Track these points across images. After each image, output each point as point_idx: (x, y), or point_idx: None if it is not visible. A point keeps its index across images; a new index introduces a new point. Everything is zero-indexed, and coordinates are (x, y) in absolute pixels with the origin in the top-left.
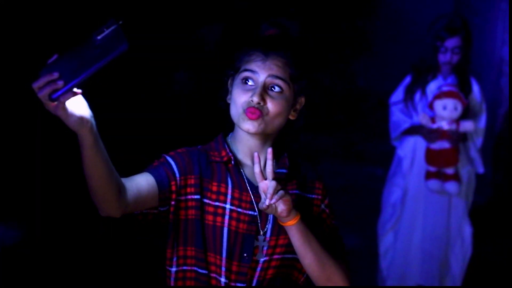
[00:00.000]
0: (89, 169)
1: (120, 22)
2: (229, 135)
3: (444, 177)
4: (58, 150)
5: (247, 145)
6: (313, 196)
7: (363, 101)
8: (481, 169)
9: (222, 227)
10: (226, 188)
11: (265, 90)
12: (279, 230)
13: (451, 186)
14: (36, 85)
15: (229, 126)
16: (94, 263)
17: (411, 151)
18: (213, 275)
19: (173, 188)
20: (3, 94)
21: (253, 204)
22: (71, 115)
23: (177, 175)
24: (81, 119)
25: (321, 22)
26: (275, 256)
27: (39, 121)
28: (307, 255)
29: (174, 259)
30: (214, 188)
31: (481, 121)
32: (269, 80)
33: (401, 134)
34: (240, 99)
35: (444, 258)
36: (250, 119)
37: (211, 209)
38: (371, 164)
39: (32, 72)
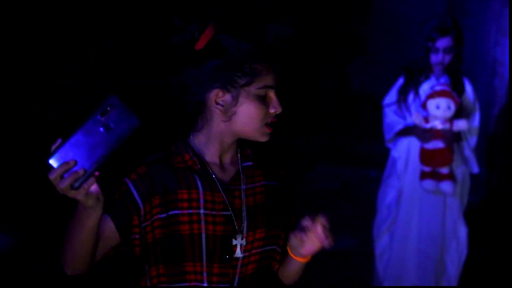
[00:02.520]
0: (86, 237)
1: (119, 97)
2: (191, 136)
3: (439, 177)
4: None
5: (221, 145)
6: (279, 184)
7: (357, 103)
8: (475, 169)
9: (199, 234)
10: (198, 193)
11: None
12: (255, 225)
13: (446, 186)
14: (53, 176)
15: (188, 127)
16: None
17: (405, 152)
18: (193, 283)
19: (136, 222)
20: (6, 98)
21: (226, 204)
22: (90, 196)
23: (141, 205)
24: (98, 196)
25: (315, 25)
26: (254, 251)
27: (36, 127)
28: (295, 277)
29: (148, 282)
30: (185, 196)
31: (475, 120)
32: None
33: (395, 135)
34: (261, 114)
35: (439, 259)
36: (271, 131)
37: (185, 219)
38: (366, 166)
39: (30, 74)
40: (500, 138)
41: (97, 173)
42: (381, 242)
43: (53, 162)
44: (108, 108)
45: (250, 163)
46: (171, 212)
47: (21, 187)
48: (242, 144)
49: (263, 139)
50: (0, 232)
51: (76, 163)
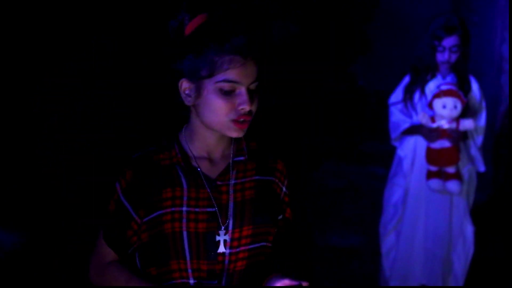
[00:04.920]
0: None
1: None
2: (183, 129)
3: (445, 176)
4: (59, 155)
5: (204, 139)
6: (272, 178)
7: (363, 101)
8: (482, 168)
9: (181, 232)
10: (182, 190)
11: (249, 95)
12: (242, 221)
13: (452, 185)
14: None
15: (182, 119)
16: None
17: (411, 151)
18: (179, 281)
19: (130, 233)
20: (6, 98)
21: (211, 200)
22: None
23: (135, 215)
24: None
25: (320, 23)
26: (242, 248)
27: (39, 128)
28: None
29: None
30: (169, 195)
31: (481, 119)
32: (251, 86)
33: (401, 134)
34: (224, 109)
35: (446, 257)
36: (241, 128)
37: (168, 217)
38: (372, 164)
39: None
40: (507, 135)
41: None
42: (388, 240)
43: None
44: None
45: (242, 158)
46: (155, 214)
47: (21, 187)
48: (246, 137)
49: (233, 135)
50: (5, 231)
51: None
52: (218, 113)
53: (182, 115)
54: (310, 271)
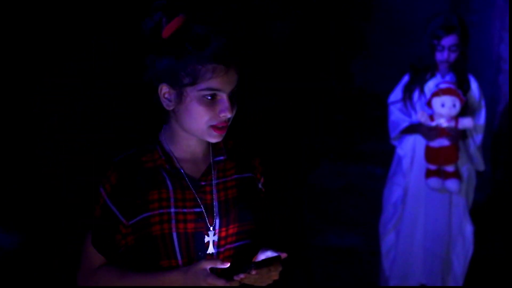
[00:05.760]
0: None
1: None
2: (162, 130)
3: (444, 175)
4: (59, 155)
5: (186, 140)
6: (250, 174)
7: (362, 101)
8: (481, 167)
9: (170, 233)
10: (167, 192)
11: (230, 102)
12: (228, 220)
13: (451, 184)
14: None
15: (159, 119)
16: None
17: (410, 150)
18: None
19: (119, 237)
20: (6, 98)
21: (197, 201)
22: None
23: (123, 219)
24: None
25: (318, 23)
26: (228, 246)
27: (39, 128)
28: None
29: None
30: (155, 197)
31: (481, 118)
32: (232, 91)
33: (400, 133)
34: (205, 116)
35: (446, 257)
36: (220, 134)
37: (156, 219)
38: (371, 163)
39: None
40: (505, 135)
41: None
42: (387, 240)
43: None
44: None
45: (222, 157)
46: (141, 216)
47: (21, 187)
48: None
49: (212, 140)
50: (4, 231)
51: None
52: (198, 120)
53: (160, 116)
54: (310, 271)
